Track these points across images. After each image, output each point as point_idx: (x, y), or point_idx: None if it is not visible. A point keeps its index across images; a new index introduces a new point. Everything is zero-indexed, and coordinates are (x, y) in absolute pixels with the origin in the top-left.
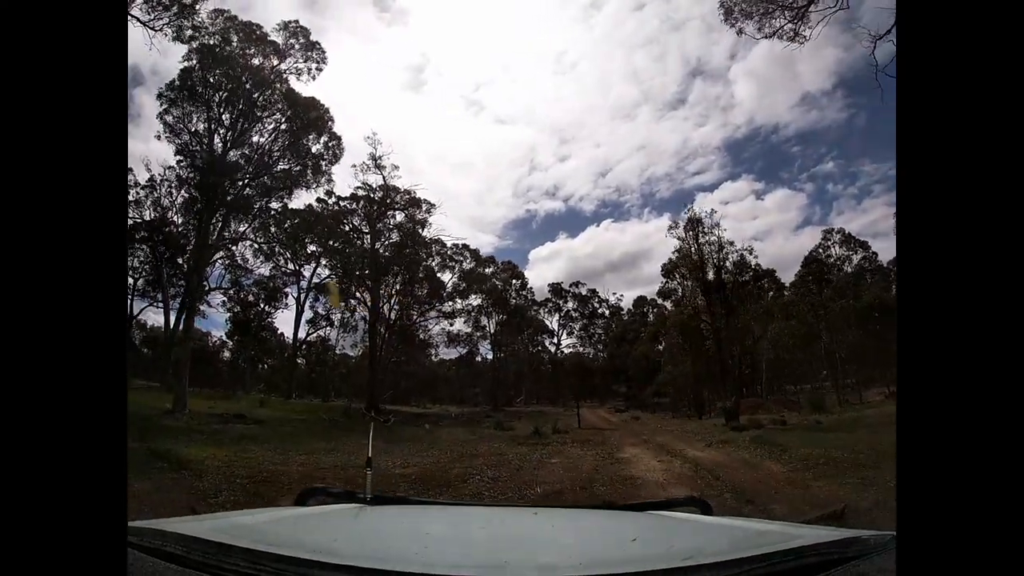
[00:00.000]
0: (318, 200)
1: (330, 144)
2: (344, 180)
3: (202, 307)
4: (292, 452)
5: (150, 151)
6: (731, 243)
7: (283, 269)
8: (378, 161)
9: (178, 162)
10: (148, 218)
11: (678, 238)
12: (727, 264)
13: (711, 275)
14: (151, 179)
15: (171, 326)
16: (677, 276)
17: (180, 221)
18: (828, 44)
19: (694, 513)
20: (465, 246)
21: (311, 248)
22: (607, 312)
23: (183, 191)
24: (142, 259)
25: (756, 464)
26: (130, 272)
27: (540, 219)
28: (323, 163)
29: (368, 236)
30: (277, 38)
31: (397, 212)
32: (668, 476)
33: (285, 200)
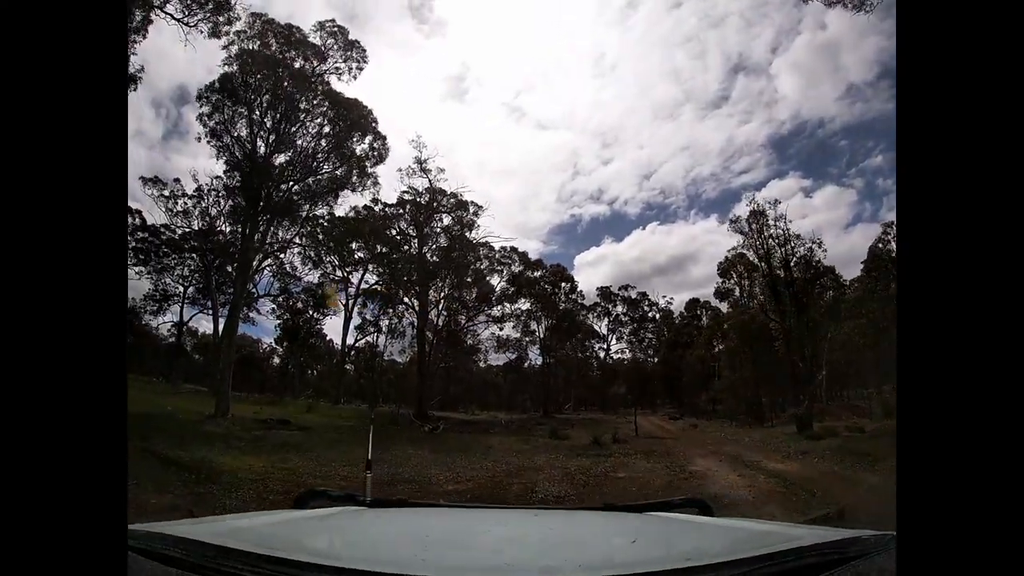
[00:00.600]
0: (364, 207)
1: (375, 145)
2: (389, 184)
3: (251, 314)
4: (335, 462)
5: (197, 165)
6: (797, 236)
7: (331, 276)
8: (423, 164)
9: (224, 172)
10: (197, 227)
11: (739, 232)
12: (794, 259)
13: (778, 271)
14: (198, 189)
15: (219, 332)
16: (734, 275)
17: (228, 230)
18: (871, 32)
19: (694, 514)
20: (513, 249)
21: (359, 255)
22: (657, 316)
23: (229, 200)
24: (192, 267)
25: (851, 477)
26: (181, 280)
27: (585, 224)
28: (368, 164)
29: (415, 240)
30: (315, 39)
31: (444, 215)
32: (756, 493)
33: (331, 203)
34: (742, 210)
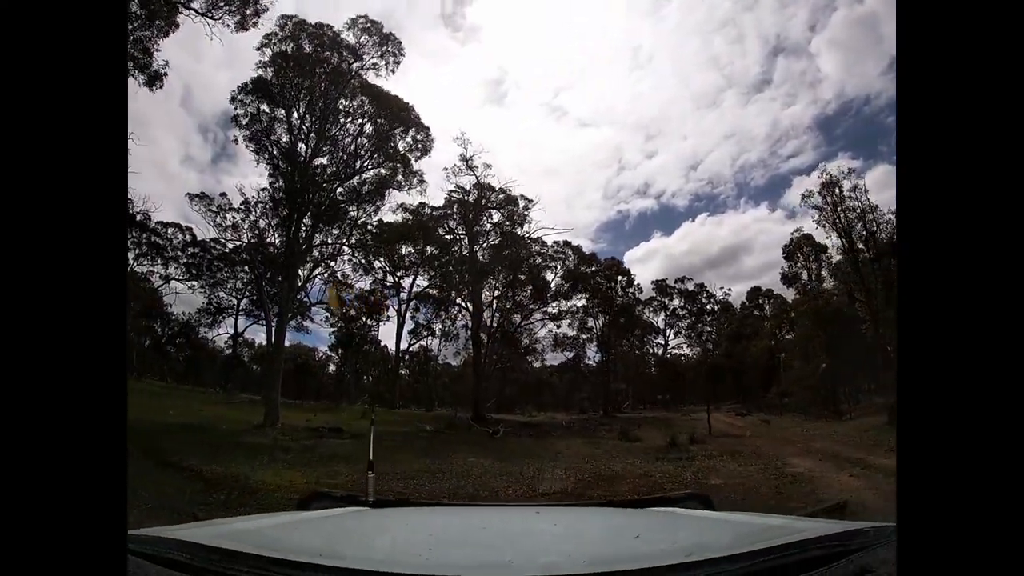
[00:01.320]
0: (412, 211)
1: (418, 138)
2: (436, 184)
3: (305, 323)
4: (389, 475)
5: (246, 183)
6: (875, 207)
7: (383, 283)
8: (469, 161)
9: (270, 182)
10: (247, 240)
11: (815, 207)
12: (877, 232)
13: (860, 245)
14: (245, 202)
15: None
16: (800, 258)
17: (278, 241)
18: None
19: (696, 508)
20: (567, 243)
21: (408, 259)
22: (716, 308)
23: (275, 210)
24: (245, 280)
25: None
26: (235, 293)
27: (633, 219)
28: (412, 159)
29: (465, 239)
30: (348, 36)
31: (493, 212)
32: (890, 497)
33: (378, 204)
34: (793, 196)
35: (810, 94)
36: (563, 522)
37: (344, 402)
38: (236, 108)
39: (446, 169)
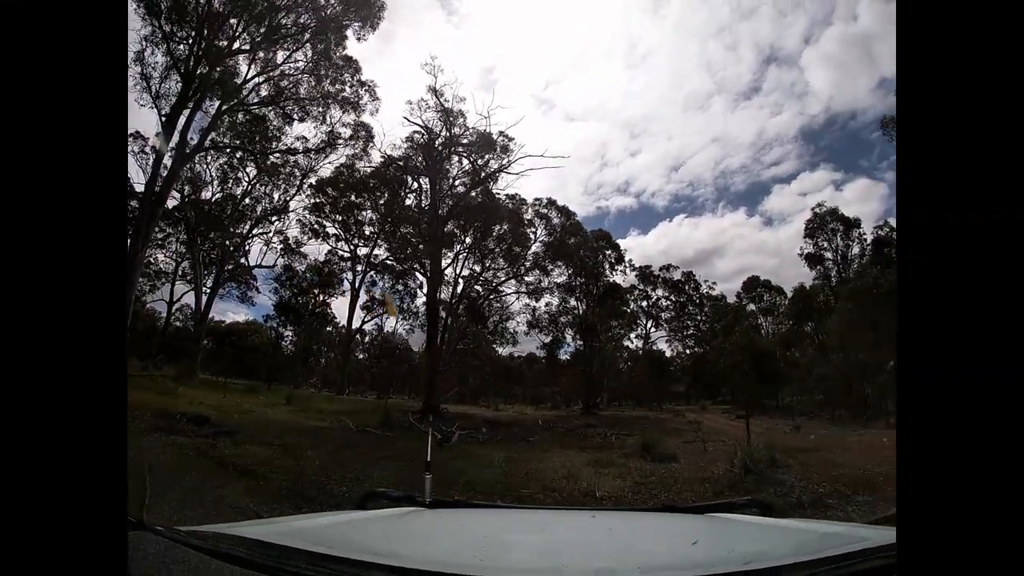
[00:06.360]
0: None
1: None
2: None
3: (248, 292)
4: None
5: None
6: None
7: (338, 252)
8: (438, 93)
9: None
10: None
11: None
12: None
13: None
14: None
15: (201, 310)
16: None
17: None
18: None
19: (756, 515)
20: (551, 202)
21: (367, 229)
22: (703, 300)
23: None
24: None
25: None
26: (173, 257)
27: (612, 216)
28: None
29: (427, 184)
30: None
31: (463, 157)
32: None
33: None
34: (772, 203)
35: (798, 105)
36: (619, 527)
37: (289, 385)
38: None
39: (409, 103)
